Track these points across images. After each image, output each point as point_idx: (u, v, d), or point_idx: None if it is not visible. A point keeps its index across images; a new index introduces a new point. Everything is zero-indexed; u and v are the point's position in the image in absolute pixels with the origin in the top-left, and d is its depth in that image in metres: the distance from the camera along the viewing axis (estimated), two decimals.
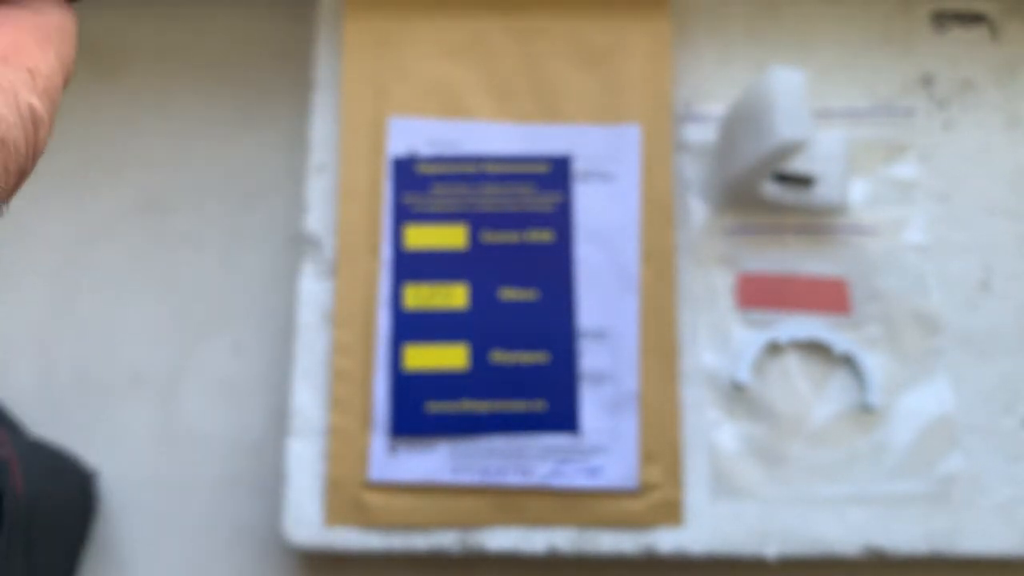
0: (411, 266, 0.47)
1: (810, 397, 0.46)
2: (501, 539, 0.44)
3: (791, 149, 0.43)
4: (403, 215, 0.47)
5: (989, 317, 0.47)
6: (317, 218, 0.48)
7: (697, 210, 0.49)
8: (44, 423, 0.48)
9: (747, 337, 0.47)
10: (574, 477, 0.44)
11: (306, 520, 0.44)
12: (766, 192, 0.48)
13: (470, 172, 0.48)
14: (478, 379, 0.45)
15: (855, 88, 0.51)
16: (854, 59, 0.51)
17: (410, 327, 0.46)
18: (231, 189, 0.52)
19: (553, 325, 0.46)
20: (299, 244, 0.48)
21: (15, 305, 0.51)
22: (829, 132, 0.49)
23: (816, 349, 0.47)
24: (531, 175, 0.48)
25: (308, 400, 0.45)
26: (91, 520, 0.47)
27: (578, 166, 0.48)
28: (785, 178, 0.48)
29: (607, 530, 0.44)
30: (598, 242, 0.47)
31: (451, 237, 0.47)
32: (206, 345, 0.50)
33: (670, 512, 0.44)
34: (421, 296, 0.46)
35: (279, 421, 0.48)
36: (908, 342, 0.47)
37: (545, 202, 0.48)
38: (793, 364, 0.47)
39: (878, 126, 0.50)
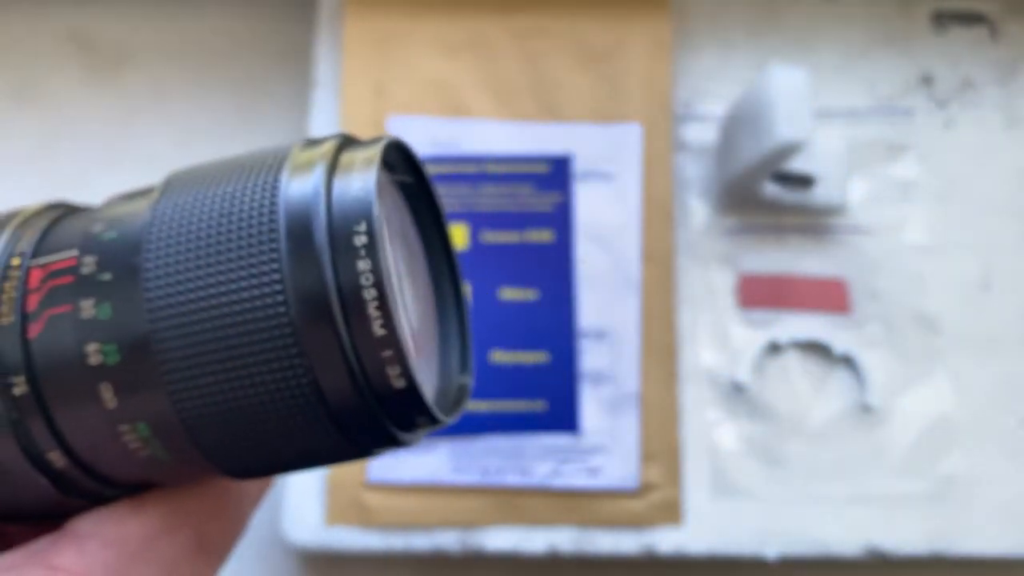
0: None
1: (810, 397, 0.46)
2: (501, 539, 0.44)
3: (791, 149, 0.43)
4: None
5: (989, 317, 0.47)
6: None
7: (697, 210, 0.49)
8: None
9: (747, 337, 0.47)
10: (574, 477, 0.44)
11: (306, 520, 0.44)
12: (766, 192, 0.48)
13: (470, 172, 0.48)
14: (478, 379, 0.45)
15: (855, 88, 0.51)
16: (854, 59, 0.51)
17: None
18: None
19: (553, 325, 0.46)
20: None
21: None
22: (829, 132, 0.49)
23: (816, 349, 0.47)
24: (531, 175, 0.48)
25: None
26: None
27: (578, 166, 0.48)
28: (785, 178, 0.48)
29: (607, 530, 0.44)
30: (598, 242, 0.47)
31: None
32: None
33: (670, 512, 0.44)
34: None
35: None
36: (908, 342, 0.47)
37: (545, 202, 0.48)
38: (793, 364, 0.47)
39: (878, 126, 0.50)
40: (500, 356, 0.45)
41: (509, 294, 0.46)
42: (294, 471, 0.20)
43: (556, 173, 0.48)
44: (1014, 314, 0.48)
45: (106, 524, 0.19)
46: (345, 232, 0.17)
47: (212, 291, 0.17)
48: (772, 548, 0.44)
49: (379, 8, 0.50)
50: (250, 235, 0.17)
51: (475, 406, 0.45)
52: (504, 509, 0.44)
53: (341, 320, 0.17)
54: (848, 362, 0.47)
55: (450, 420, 0.20)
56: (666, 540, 0.44)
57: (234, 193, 0.18)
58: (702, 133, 0.50)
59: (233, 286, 0.17)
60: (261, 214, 0.17)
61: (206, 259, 0.17)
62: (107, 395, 0.18)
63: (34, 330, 0.18)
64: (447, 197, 0.47)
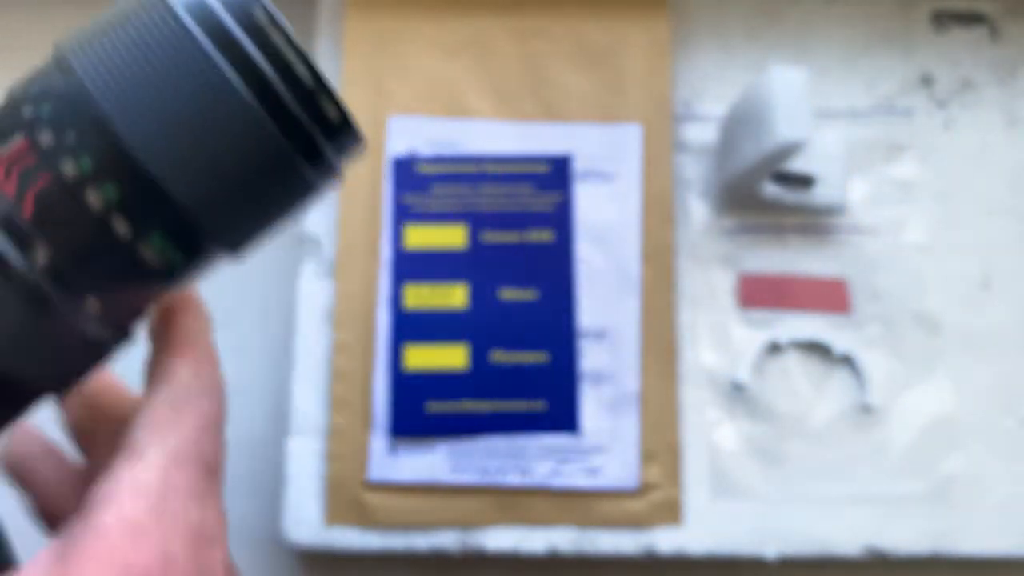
0: (411, 266, 0.47)
1: (810, 397, 0.46)
2: (501, 539, 0.44)
3: (791, 149, 0.43)
4: (403, 215, 0.47)
5: (989, 317, 0.47)
6: (317, 218, 0.48)
7: (697, 210, 0.49)
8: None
9: (747, 337, 0.47)
10: (574, 477, 0.44)
11: (306, 520, 0.44)
12: (766, 192, 0.48)
13: (470, 172, 0.48)
14: (478, 379, 0.45)
15: (855, 88, 0.51)
16: (854, 59, 0.51)
17: (410, 327, 0.46)
18: None
19: (553, 325, 0.46)
20: (299, 244, 0.48)
21: None
22: (829, 132, 0.49)
23: (816, 349, 0.47)
24: (531, 175, 0.48)
25: (308, 400, 0.45)
26: None
27: (578, 166, 0.48)
28: (785, 178, 0.48)
29: (607, 530, 0.44)
30: (598, 242, 0.47)
31: (451, 237, 0.47)
32: None
33: (670, 512, 0.44)
34: (421, 296, 0.46)
35: (279, 421, 0.48)
36: (908, 342, 0.47)
37: (545, 202, 0.48)
38: (793, 364, 0.47)
39: (878, 126, 0.50)
40: (500, 356, 0.45)
41: (509, 294, 0.46)
42: (273, 215, 0.23)
43: (556, 173, 0.48)
44: (1014, 314, 0.48)
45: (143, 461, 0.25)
46: None
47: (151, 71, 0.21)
48: (772, 548, 0.44)
49: (379, 8, 0.50)
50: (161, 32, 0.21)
51: (475, 406, 0.45)
52: (504, 509, 0.44)
53: (241, 34, 0.20)
54: (848, 362, 0.47)
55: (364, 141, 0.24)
56: (666, 540, 0.44)
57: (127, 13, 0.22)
58: (702, 133, 0.50)
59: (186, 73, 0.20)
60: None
61: (133, 55, 0.21)
62: (121, 227, 0.20)
63: (27, 211, 0.20)
64: (447, 197, 0.47)
